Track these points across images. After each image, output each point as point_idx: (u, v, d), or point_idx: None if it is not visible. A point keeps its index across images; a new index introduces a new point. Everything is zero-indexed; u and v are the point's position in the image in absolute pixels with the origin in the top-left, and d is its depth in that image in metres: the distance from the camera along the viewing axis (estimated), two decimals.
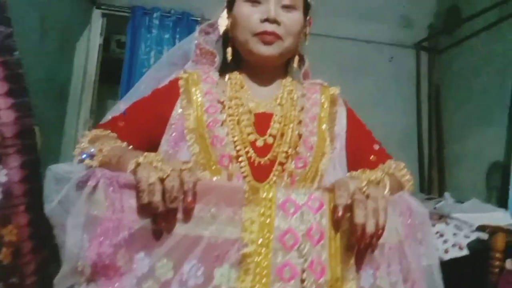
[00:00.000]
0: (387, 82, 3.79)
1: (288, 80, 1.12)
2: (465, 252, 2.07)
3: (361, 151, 1.09)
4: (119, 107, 1.15)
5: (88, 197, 0.79)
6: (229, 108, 1.03)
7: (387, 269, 0.79)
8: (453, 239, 2.10)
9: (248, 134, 1.01)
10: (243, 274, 0.74)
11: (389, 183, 0.88)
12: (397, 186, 0.95)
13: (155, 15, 3.51)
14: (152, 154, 0.80)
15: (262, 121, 1.04)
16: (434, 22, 3.91)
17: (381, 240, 0.77)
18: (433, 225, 2.14)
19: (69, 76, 3.48)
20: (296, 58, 1.13)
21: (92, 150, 0.90)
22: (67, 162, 0.97)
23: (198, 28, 1.18)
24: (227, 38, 1.12)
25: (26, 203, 0.61)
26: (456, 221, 2.19)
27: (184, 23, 3.52)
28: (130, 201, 0.75)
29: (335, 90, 1.15)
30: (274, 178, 0.99)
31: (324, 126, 1.07)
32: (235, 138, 1.00)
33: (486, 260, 2.11)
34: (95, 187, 0.79)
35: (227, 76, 1.11)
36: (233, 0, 1.07)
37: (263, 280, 0.74)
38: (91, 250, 0.75)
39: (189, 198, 0.72)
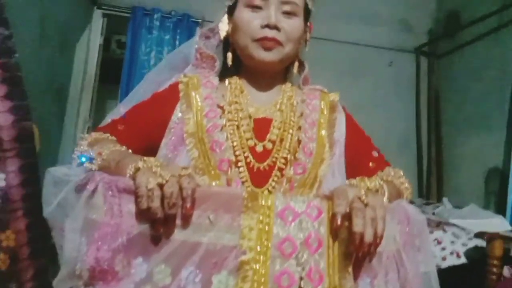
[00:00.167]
0: (387, 86, 3.80)
1: (287, 86, 1.12)
2: (462, 260, 2.07)
3: (360, 158, 1.09)
4: (119, 110, 1.15)
5: (87, 201, 0.79)
6: (228, 113, 1.03)
7: (385, 277, 0.79)
8: (451, 247, 2.10)
9: (248, 139, 1.01)
10: (241, 281, 0.74)
11: (387, 191, 0.88)
12: (396, 194, 0.95)
13: (155, 16, 3.51)
14: (152, 159, 0.80)
15: (261, 127, 1.03)
16: (434, 27, 3.92)
17: (379, 249, 0.77)
18: (431, 232, 2.14)
19: (69, 76, 3.48)
20: (296, 64, 1.13)
21: (91, 153, 0.90)
22: (66, 165, 0.97)
23: (198, 31, 1.18)
24: (228, 43, 1.12)
25: (25, 207, 0.61)
26: (454, 229, 2.19)
27: (185, 25, 3.53)
28: (129, 206, 0.75)
29: (334, 96, 1.15)
30: (273, 184, 0.98)
31: (323, 132, 1.07)
32: (235, 143, 1.00)
33: (484, 267, 2.11)
34: (94, 191, 0.79)
35: (227, 81, 1.11)
36: (234, 5, 1.07)
37: None
38: (89, 254, 0.75)
39: (188, 205, 0.72)
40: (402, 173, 1.07)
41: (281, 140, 1.02)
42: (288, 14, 1.02)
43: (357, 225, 0.73)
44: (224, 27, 1.13)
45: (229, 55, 1.09)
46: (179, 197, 0.72)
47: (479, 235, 2.14)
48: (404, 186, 1.02)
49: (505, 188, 2.75)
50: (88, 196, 0.79)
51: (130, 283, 0.74)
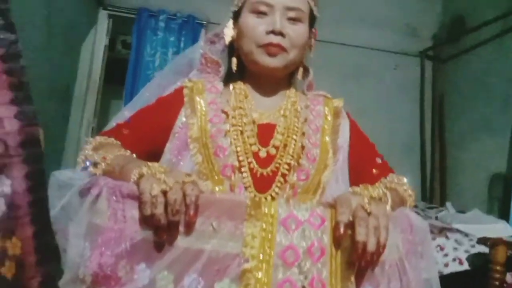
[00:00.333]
0: (392, 90, 3.80)
1: (292, 91, 1.12)
2: (465, 266, 2.06)
3: (363, 164, 1.09)
4: (124, 114, 1.15)
5: (91, 206, 0.79)
6: (232, 118, 1.04)
7: (387, 286, 0.79)
8: (454, 253, 2.09)
9: (251, 145, 1.01)
10: None
11: (391, 199, 0.88)
12: (399, 201, 0.95)
13: (161, 17, 3.52)
14: (156, 164, 0.81)
15: (265, 132, 1.04)
16: (439, 31, 3.91)
17: (381, 257, 0.78)
18: (433, 239, 2.13)
19: (74, 77, 3.49)
20: (301, 70, 1.13)
21: (96, 158, 0.91)
22: (70, 168, 0.98)
23: (203, 33, 1.19)
24: (233, 48, 1.12)
25: (31, 214, 0.60)
26: (456, 235, 2.19)
27: (190, 26, 3.53)
28: (133, 212, 0.76)
29: (338, 102, 1.15)
30: (276, 190, 0.99)
31: (327, 138, 1.07)
32: (238, 149, 1.00)
33: (487, 273, 2.10)
34: (98, 196, 0.79)
35: (231, 86, 1.11)
36: (239, 10, 1.07)
37: None
38: (93, 260, 0.75)
39: (191, 212, 0.72)
40: (405, 180, 1.07)
41: (285, 146, 1.02)
42: (293, 20, 1.02)
43: (360, 234, 0.74)
44: (229, 32, 1.13)
45: (234, 60, 1.09)
46: (183, 204, 0.72)
47: (482, 241, 2.13)
48: (407, 193, 1.02)
49: (509, 193, 2.74)
50: (92, 201, 0.79)
51: None
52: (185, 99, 1.07)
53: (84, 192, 0.82)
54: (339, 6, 3.53)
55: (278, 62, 1.02)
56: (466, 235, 2.22)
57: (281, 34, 1.00)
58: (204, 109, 1.05)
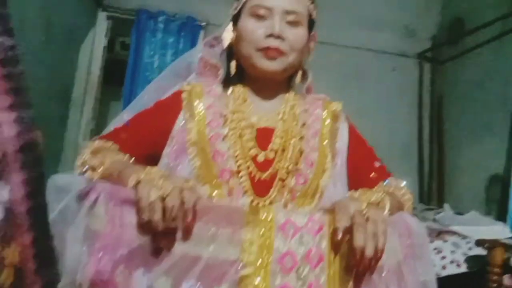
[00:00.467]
0: (390, 92, 3.80)
1: (291, 95, 1.12)
2: (462, 269, 2.06)
3: (361, 168, 1.09)
4: (122, 117, 1.15)
5: (88, 211, 0.79)
6: (231, 122, 1.03)
7: None
8: (451, 256, 2.09)
9: (250, 149, 1.01)
10: None
11: (389, 203, 0.88)
12: (397, 206, 0.95)
13: (160, 19, 3.52)
14: (154, 169, 0.81)
15: (263, 136, 1.04)
16: (438, 33, 3.92)
17: (380, 263, 0.78)
18: (431, 242, 2.14)
19: (73, 78, 3.49)
20: (299, 73, 1.12)
21: (94, 162, 0.91)
22: (69, 170, 0.98)
23: (202, 35, 1.19)
24: (232, 51, 1.12)
25: (30, 221, 0.60)
26: (454, 238, 2.19)
27: (189, 28, 3.53)
28: (130, 217, 0.76)
29: (337, 106, 1.15)
30: (275, 194, 0.98)
31: (325, 142, 1.07)
32: (236, 153, 1.00)
33: (484, 275, 2.10)
34: (95, 201, 0.79)
35: (230, 89, 1.11)
36: (238, 14, 1.07)
37: None
38: (90, 266, 0.75)
39: (189, 218, 0.72)
40: (403, 184, 1.07)
41: (283, 150, 1.02)
42: (292, 24, 1.02)
43: (358, 240, 0.74)
44: (228, 35, 1.13)
45: (233, 63, 1.09)
46: (181, 210, 0.72)
47: (479, 243, 2.13)
48: (405, 197, 1.02)
49: (507, 195, 2.74)
50: (89, 206, 0.79)
51: None
52: (184, 103, 1.07)
53: (82, 197, 0.81)
54: (338, 7, 3.53)
55: (277, 65, 1.02)
56: (464, 237, 2.22)
57: (280, 37, 1.00)
58: (202, 113, 1.04)
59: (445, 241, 2.14)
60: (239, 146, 1.00)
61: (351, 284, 0.76)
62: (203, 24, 3.56)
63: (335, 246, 0.76)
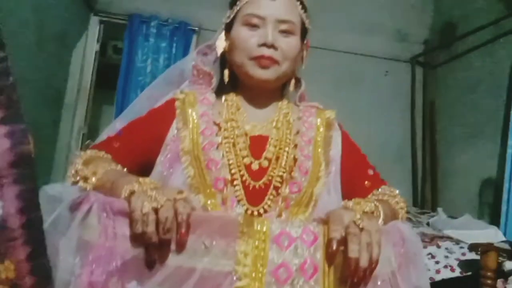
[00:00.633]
0: (383, 96, 3.82)
1: (284, 103, 1.12)
2: (456, 273, 2.07)
3: (355, 176, 1.09)
4: (115, 125, 1.15)
5: (81, 221, 0.78)
6: (224, 130, 1.03)
7: None
8: (445, 261, 2.10)
9: (243, 157, 1.01)
10: None
11: (383, 212, 0.88)
12: (391, 215, 0.95)
13: (152, 23, 3.51)
14: (147, 180, 0.80)
15: (257, 144, 1.03)
16: (430, 37, 3.94)
17: (374, 273, 0.78)
18: (424, 247, 2.14)
19: (65, 83, 3.47)
20: (293, 81, 1.13)
21: (86, 172, 0.90)
22: (61, 178, 0.97)
23: (194, 40, 1.18)
24: (225, 60, 1.12)
25: (25, 235, 0.59)
26: (447, 244, 2.20)
27: (182, 32, 3.53)
28: (123, 229, 0.75)
29: (331, 114, 1.15)
30: (269, 203, 0.98)
31: (319, 150, 1.07)
32: (230, 161, 0.99)
33: (478, 279, 2.11)
34: (88, 211, 0.78)
35: (223, 97, 1.10)
36: (231, 22, 1.07)
37: None
38: (83, 278, 0.74)
39: (183, 230, 0.72)
40: (397, 192, 1.07)
41: (277, 158, 1.02)
42: (285, 32, 1.02)
43: (353, 251, 0.74)
44: (221, 44, 1.13)
45: (226, 72, 1.09)
46: (174, 222, 0.72)
47: (473, 248, 2.14)
48: (399, 205, 1.03)
49: (499, 198, 2.76)
50: (82, 217, 0.78)
51: None
52: (177, 111, 1.06)
53: (74, 207, 0.81)
54: (331, 12, 3.54)
55: (270, 74, 1.02)
56: (457, 243, 2.23)
57: (273, 46, 1.00)
58: (196, 121, 1.04)
59: (439, 246, 2.15)
60: (233, 155, 1.00)
61: None
62: (196, 29, 3.56)
63: (329, 257, 0.76)
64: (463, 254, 2.14)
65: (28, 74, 2.61)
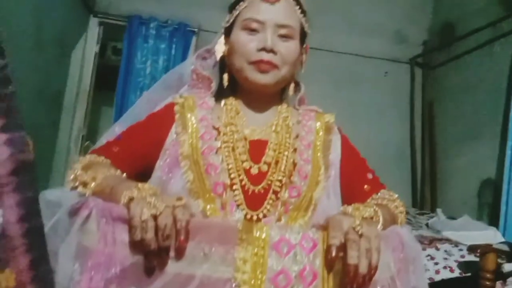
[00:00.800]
0: (382, 97, 3.83)
1: (283, 107, 1.12)
2: (456, 274, 2.07)
3: (354, 180, 1.09)
4: (114, 130, 1.15)
5: (80, 227, 0.78)
6: (224, 134, 1.03)
7: None
8: (444, 263, 2.10)
9: (243, 162, 1.01)
10: None
11: (382, 217, 0.88)
12: (390, 219, 0.95)
13: (152, 25, 3.51)
14: (146, 186, 0.80)
15: (257, 149, 1.03)
16: (429, 38, 3.95)
17: (373, 279, 0.78)
18: (423, 249, 2.14)
19: (64, 85, 3.47)
20: (292, 85, 1.12)
21: (85, 178, 0.90)
22: (60, 180, 0.97)
23: (194, 41, 1.18)
24: (224, 64, 1.12)
25: (26, 244, 0.59)
26: (446, 246, 2.20)
27: (181, 34, 3.53)
28: (123, 235, 0.75)
29: (330, 118, 1.15)
30: (268, 207, 0.98)
31: (319, 154, 1.07)
32: (230, 166, 0.99)
33: (477, 280, 2.11)
34: (87, 217, 0.78)
35: (223, 102, 1.10)
36: (231, 27, 1.07)
37: None
38: (82, 284, 0.74)
39: (182, 237, 0.72)
40: (396, 196, 1.07)
41: (276, 163, 1.02)
42: (284, 37, 1.02)
43: (352, 257, 0.74)
44: (220, 48, 1.13)
45: (225, 76, 1.09)
46: (173, 229, 0.72)
47: (471, 249, 2.14)
48: (398, 210, 1.02)
49: (498, 199, 2.76)
50: (81, 222, 0.78)
51: None
52: (176, 116, 1.06)
53: (73, 213, 0.81)
54: (331, 14, 3.55)
55: (270, 78, 1.02)
56: (456, 245, 2.23)
57: (272, 51, 1.00)
58: (195, 125, 1.04)
59: (438, 249, 2.15)
60: (232, 159, 1.00)
61: None
62: (195, 30, 3.56)
63: (329, 263, 0.76)
64: (462, 256, 2.14)
65: (27, 76, 2.61)
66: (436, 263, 2.10)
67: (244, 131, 1.05)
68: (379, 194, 1.07)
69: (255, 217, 0.97)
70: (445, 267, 2.09)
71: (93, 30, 3.60)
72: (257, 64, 1.01)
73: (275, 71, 1.02)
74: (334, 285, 0.76)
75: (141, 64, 3.46)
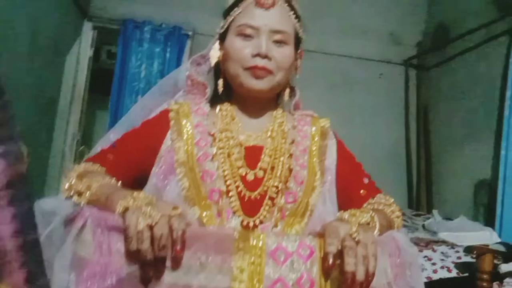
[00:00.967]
0: (377, 98, 3.83)
1: (279, 112, 1.12)
2: (453, 274, 2.08)
3: (350, 185, 1.09)
4: (109, 137, 1.14)
5: (76, 237, 0.78)
6: (219, 141, 1.03)
7: None
8: (441, 263, 2.11)
9: (239, 168, 1.00)
10: None
11: (378, 223, 0.88)
12: (387, 224, 0.95)
13: (146, 28, 3.50)
14: (141, 195, 0.79)
15: (252, 154, 1.03)
16: (423, 40, 3.96)
17: (370, 285, 0.77)
18: (420, 251, 2.15)
19: (59, 89, 3.46)
20: (287, 90, 1.12)
21: (80, 187, 0.89)
22: (54, 196, 0.96)
23: (188, 45, 1.18)
24: (219, 70, 1.12)
25: (22, 258, 0.58)
26: (443, 248, 2.20)
27: (175, 37, 3.52)
28: (118, 245, 0.74)
29: (325, 122, 1.15)
30: (264, 213, 0.98)
31: (314, 160, 1.07)
32: (225, 172, 0.99)
33: (474, 280, 2.11)
34: (82, 227, 0.78)
35: (218, 108, 1.10)
36: (225, 33, 1.06)
37: None
38: None
39: (178, 247, 0.71)
40: (392, 200, 1.07)
41: (272, 168, 1.02)
42: (279, 43, 1.02)
43: (349, 265, 0.73)
44: (215, 54, 1.12)
45: (220, 82, 1.09)
46: (169, 238, 0.71)
47: (468, 251, 2.15)
48: (395, 214, 1.02)
49: (494, 200, 2.77)
50: (76, 232, 0.78)
51: None
52: (171, 122, 1.06)
53: (68, 222, 0.80)
54: (325, 16, 3.55)
55: (264, 84, 1.02)
56: (453, 247, 2.24)
57: (267, 57, 1.00)
58: (190, 132, 1.04)
59: (434, 251, 2.16)
60: (228, 166, 1.00)
61: None
62: (190, 33, 3.56)
63: (326, 271, 0.76)
64: (459, 258, 2.15)
65: (22, 80, 2.60)
66: (434, 264, 2.11)
67: (240, 137, 1.05)
68: (375, 198, 1.07)
69: (251, 224, 0.96)
70: (442, 267, 2.10)
71: (87, 34, 3.58)
72: (252, 70, 1.00)
73: (270, 77, 1.01)
74: None
75: (135, 68, 3.45)
